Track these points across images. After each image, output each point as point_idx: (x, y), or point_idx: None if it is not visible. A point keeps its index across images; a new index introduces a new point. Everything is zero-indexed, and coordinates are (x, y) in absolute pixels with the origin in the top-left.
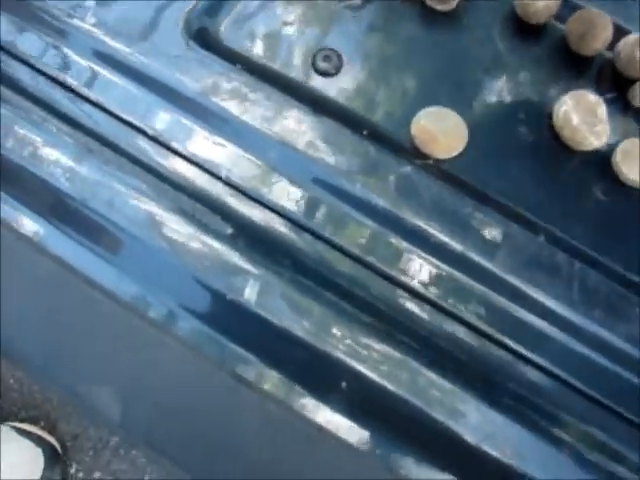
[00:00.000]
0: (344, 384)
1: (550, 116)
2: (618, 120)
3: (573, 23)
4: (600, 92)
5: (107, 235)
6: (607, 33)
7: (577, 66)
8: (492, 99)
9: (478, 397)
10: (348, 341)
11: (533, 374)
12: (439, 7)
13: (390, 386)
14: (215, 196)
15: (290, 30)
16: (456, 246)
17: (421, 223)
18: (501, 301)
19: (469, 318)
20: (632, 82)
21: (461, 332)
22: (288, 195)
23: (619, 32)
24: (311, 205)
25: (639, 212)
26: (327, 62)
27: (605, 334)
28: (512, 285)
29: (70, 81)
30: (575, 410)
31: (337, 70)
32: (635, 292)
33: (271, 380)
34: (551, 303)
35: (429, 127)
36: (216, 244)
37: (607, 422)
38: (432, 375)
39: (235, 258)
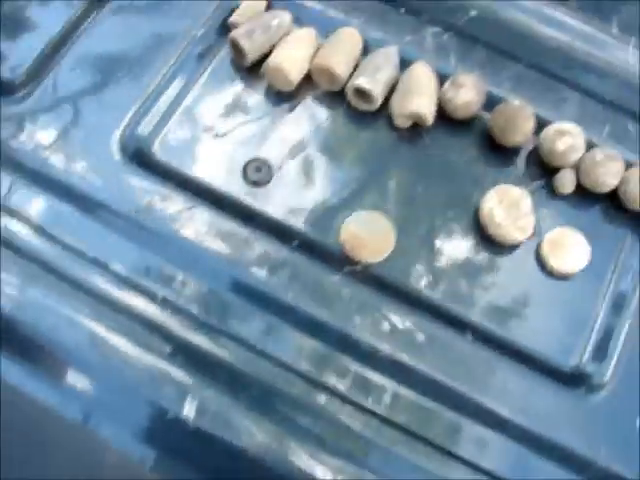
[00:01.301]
0: None
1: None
2: (546, 209)
3: (495, 117)
4: (527, 182)
5: (50, 357)
6: (528, 125)
7: (504, 158)
8: (420, 199)
9: None
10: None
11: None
12: (364, 107)
13: None
14: (153, 316)
15: (221, 142)
16: (385, 350)
17: (351, 331)
18: (432, 404)
19: (401, 422)
20: (557, 170)
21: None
22: (223, 311)
23: (541, 122)
24: (245, 319)
25: (570, 303)
26: (258, 173)
27: (539, 432)
28: (442, 385)
29: (6, 203)
30: None
31: (268, 180)
32: (565, 383)
33: None
34: (483, 401)
35: (357, 232)
36: (156, 362)
37: None
38: None
39: (175, 375)
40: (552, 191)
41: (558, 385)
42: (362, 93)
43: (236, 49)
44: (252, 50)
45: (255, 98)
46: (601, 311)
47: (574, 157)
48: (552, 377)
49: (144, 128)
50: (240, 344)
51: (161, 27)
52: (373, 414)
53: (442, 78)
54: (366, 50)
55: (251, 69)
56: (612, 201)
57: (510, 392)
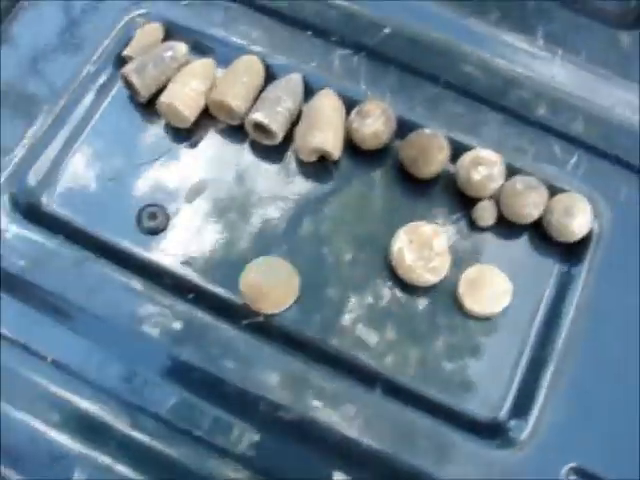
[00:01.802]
0: None
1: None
2: (464, 244)
3: (406, 148)
4: (445, 214)
5: None
6: (442, 155)
7: (419, 189)
8: (326, 240)
9: None
10: None
11: None
12: (266, 142)
13: None
14: (42, 380)
15: (115, 188)
16: (290, 409)
17: (252, 390)
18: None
19: None
20: (476, 200)
21: None
22: (115, 373)
23: (459, 146)
24: (138, 383)
25: (488, 349)
26: (153, 220)
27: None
28: (350, 441)
29: None
30: None
31: (164, 227)
32: (481, 437)
33: None
34: (394, 456)
35: (258, 281)
36: (46, 430)
37: None
38: None
39: (65, 444)
40: (471, 223)
41: (477, 439)
42: (262, 128)
43: (129, 85)
44: (144, 86)
45: (152, 136)
46: (523, 357)
47: (493, 187)
48: (468, 431)
49: (32, 176)
50: (121, 404)
51: (52, 63)
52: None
53: (352, 103)
54: (271, 77)
55: (148, 105)
56: (536, 232)
57: (423, 448)
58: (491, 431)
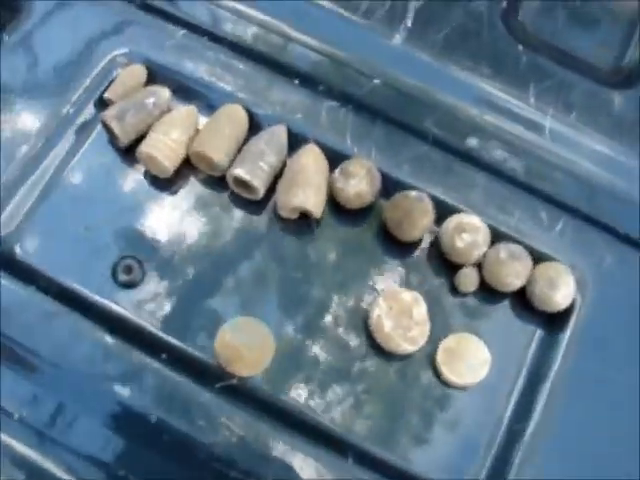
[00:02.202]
0: None
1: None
2: (445, 310)
3: (390, 210)
4: (426, 279)
5: None
6: (426, 220)
7: (401, 253)
8: (304, 301)
9: None
10: None
11: None
12: (247, 196)
13: None
14: (7, 439)
15: (91, 238)
16: (261, 476)
17: (225, 457)
18: None
19: None
20: (459, 267)
21: None
22: (84, 432)
23: (444, 208)
24: (107, 442)
25: (465, 420)
26: (128, 274)
27: None
28: None
29: None
30: None
31: (140, 280)
32: None
33: None
34: None
35: (232, 344)
36: None
37: None
38: None
39: None
40: (453, 289)
41: None
42: (243, 182)
43: (109, 130)
44: (124, 133)
45: (131, 183)
46: (501, 427)
47: (476, 254)
48: None
49: (5, 224)
50: (99, 466)
51: (30, 102)
52: None
53: (337, 158)
54: (255, 126)
55: (128, 151)
56: (519, 299)
57: None
58: None
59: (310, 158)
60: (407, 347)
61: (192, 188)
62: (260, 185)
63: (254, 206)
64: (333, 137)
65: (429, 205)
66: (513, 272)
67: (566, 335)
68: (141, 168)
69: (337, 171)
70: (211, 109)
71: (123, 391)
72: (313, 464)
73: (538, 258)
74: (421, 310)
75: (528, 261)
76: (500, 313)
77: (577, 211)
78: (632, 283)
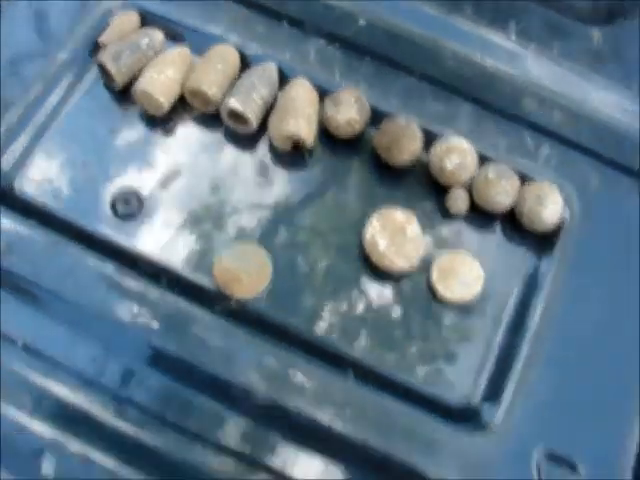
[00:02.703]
0: None
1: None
2: (437, 232)
3: (379, 136)
4: (418, 203)
5: None
6: (415, 145)
7: (392, 178)
8: (300, 226)
9: None
10: None
11: None
12: (241, 130)
13: None
14: (11, 364)
15: (89, 173)
16: (262, 395)
17: (223, 376)
18: (314, 449)
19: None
20: (449, 189)
21: None
22: (86, 358)
23: (432, 135)
24: (110, 367)
25: (462, 335)
26: (126, 205)
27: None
28: (322, 427)
29: None
30: None
31: (138, 212)
32: (454, 422)
33: None
34: (366, 442)
35: (230, 267)
36: (14, 415)
37: None
38: None
39: (34, 430)
40: (444, 211)
41: (450, 424)
42: (237, 115)
43: (104, 72)
44: (120, 73)
45: (127, 123)
46: (495, 344)
47: (465, 176)
48: (441, 416)
49: (5, 161)
50: (98, 390)
51: (26, 50)
52: (243, 458)
53: (326, 94)
54: (246, 67)
55: (123, 92)
56: (508, 221)
57: (395, 432)
58: (464, 416)
59: (300, 90)
60: (402, 264)
61: (187, 126)
62: (253, 116)
63: (248, 140)
64: (322, 74)
65: (417, 130)
66: (502, 190)
67: (556, 254)
68: (137, 109)
69: (327, 100)
70: (201, 52)
71: (124, 315)
72: (313, 381)
73: (525, 182)
74: (414, 228)
75: (516, 180)
76: (491, 234)
77: (562, 137)
78: (618, 205)
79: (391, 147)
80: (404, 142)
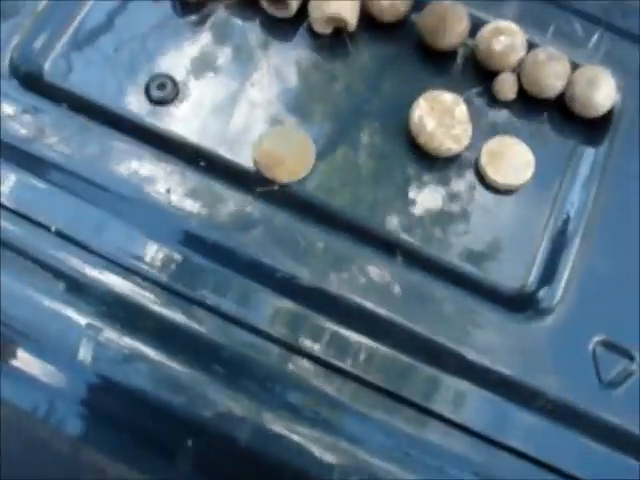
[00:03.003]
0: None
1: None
2: (485, 117)
3: (425, 18)
4: (464, 88)
5: None
6: (462, 25)
7: (437, 62)
8: (344, 111)
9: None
10: None
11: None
12: (280, 14)
13: None
14: (45, 250)
15: (121, 58)
16: (307, 279)
17: (267, 260)
18: (364, 338)
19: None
20: (496, 73)
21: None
22: (121, 242)
23: (478, 22)
24: (147, 246)
25: (513, 220)
26: (161, 90)
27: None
28: (371, 313)
29: None
30: None
31: (174, 97)
32: (511, 309)
33: None
34: (420, 332)
35: (272, 150)
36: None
37: None
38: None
39: (71, 317)
40: (492, 97)
41: (504, 311)
42: None
43: None
44: None
45: (160, 10)
46: (548, 228)
47: (514, 58)
48: (497, 302)
49: (35, 44)
50: (126, 272)
51: None
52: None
53: None
54: None
55: None
56: (558, 107)
57: (448, 320)
58: (519, 301)
59: None
60: (451, 145)
61: (224, 11)
62: None
63: (287, 25)
64: None
65: (463, 10)
66: (553, 73)
67: (607, 141)
68: None
69: None
70: None
71: (162, 198)
72: (360, 264)
73: (575, 68)
74: (462, 110)
75: (566, 63)
76: (541, 120)
77: (611, 25)
78: None
79: (437, 28)
80: (450, 22)
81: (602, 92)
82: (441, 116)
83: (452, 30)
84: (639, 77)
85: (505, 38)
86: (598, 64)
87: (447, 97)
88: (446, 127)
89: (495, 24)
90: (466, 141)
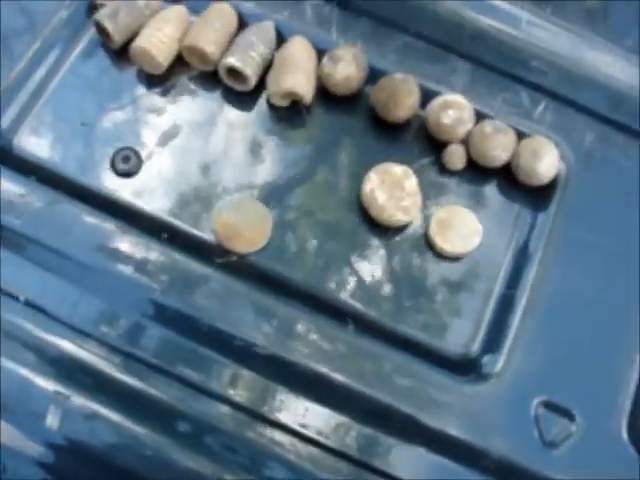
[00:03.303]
0: None
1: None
2: (435, 187)
3: (377, 92)
4: (415, 159)
5: None
6: (412, 99)
7: (390, 134)
8: (300, 182)
9: None
10: None
11: None
12: (239, 87)
13: None
14: (13, 320)
15: (88, 132)
16: (262, 344)
17: (224, 326)
18: (313, 400)
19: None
20: (446, 145)
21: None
22: (88, 313)
23: (430, 93)
24: (112, 318)
25: (461, 287)
26: (126, 163)
27: (430, 424)
28: (324, 378)
29: None
30: None
31: (137, 170)
32: (456, 373)
33: None
34: (368, 394)
35: (231, 220)
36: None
37: None
38: None
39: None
40: (442, 167)
41: (450, 375)
42: (235, 73)
43: (102, 31)
44: (118, 32)
45: (125, 83)
46: (493, 295)
47: (462, 130)
48: (441, 366)
49: (4, 119)
50: (102, 343)
51: (24, 9)
52: (246, 409)
53: (324, 52)
54: (243, 25)
55: (121, 52)
56: (505, 176)
57: (397, 384)
58: (464, 366)
59: (298, 47)
60: (401, 217)
61: (184, 84)
62: (251, 73)
63: (246, 97)
64: (319, 32)
65: (413, 85)
66: (499, 145)
67: (552, 208)
68: (135, 68)
69: (325, 58)
70: (199, 12)
71: (126, 270)
72: (314, 332)
73: (521, 138)
74: (412, 182)
75: (512, 135)
76: (488, 189)
77: (557, 95)
78: (614, 161)
79: (388, 102)
80: (401, 97)
81: (545, 163)
82: (391, 189)
83: (402, 104)
84: (584, 145)
85: (453, 112)
86: (544, 133)
87: (397, 170)
88: (396, 199)
89: (444, 98)
90: (415, 212)
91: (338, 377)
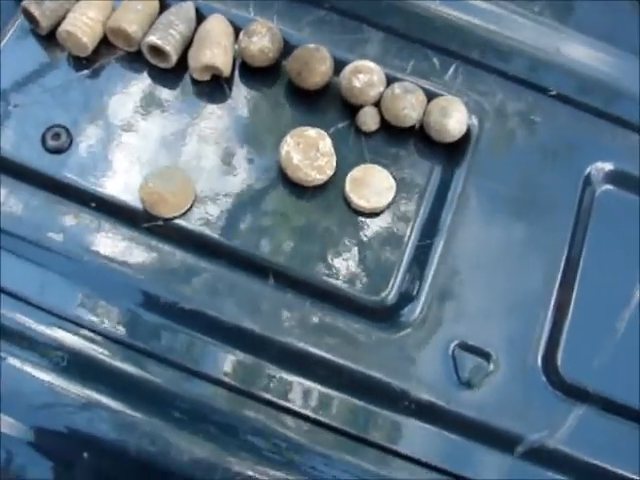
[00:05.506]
0: None
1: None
2: (350, 149)
3: (291, 62)
4: (332, 123)
5: None
6: (325, 66)
7: (307, 102)
8: (221, 150)
9: None
10: None
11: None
12: (162, 65)
13: None
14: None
15: (20, 113)
16: (188, 301)
17: (151, 287)
18: (234, 349)
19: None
20: (359, 108)
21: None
22: (22, 280)
23: (344, 62)
24: (44, 284)
25: (377, 240)
26: (56, 140)
27: (350, 369)
28: (246, 331)
29: None
30: None
31: (68, 146)
32: (374, 321)
33: None
34: (289, 343)
35: (156, 188)
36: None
37: None
38: None
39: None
40: (357, 130)
41: (369, 323)
42: (158, 51)
43: (29, 17)
44: (44, 17)
45: (54, 66)
46: (409, 247)
47: (373, 93)
48: (362, 316)
49: None
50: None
51: None
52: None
53: (241, 29)
54: (165, 8)
55: (49, 36)
56: (418, 135)
57: (318, 333)
58: (383, 315)
59: (215, 23)
60: (316, 175)
61: (111, 64)
62: (172, 50)
63: (170, 74)
64: (236, 11)
65: (326, 53)
66: (408, 104)
67: (465, 163)
68: (63, 52)
69: (242, 33)
70: None
71: (57, 237)
72: (236, 287)
73: (432, 98)
74: (326, 143)
75: (421, 95)
76: (401, 148)
77: (468, 58)
78: (523, 116)
79: (303, 70)
80: (314, 64)
81: (454, 119)
82: (306, 150)
83: (316, 71)
84: (493, 103)
85: (364, 76)
86: (455, 94)
87: (312, 132)
88: (311, 159)
89: (355, 64)
90: (330, 171)
91: (258, 328)
